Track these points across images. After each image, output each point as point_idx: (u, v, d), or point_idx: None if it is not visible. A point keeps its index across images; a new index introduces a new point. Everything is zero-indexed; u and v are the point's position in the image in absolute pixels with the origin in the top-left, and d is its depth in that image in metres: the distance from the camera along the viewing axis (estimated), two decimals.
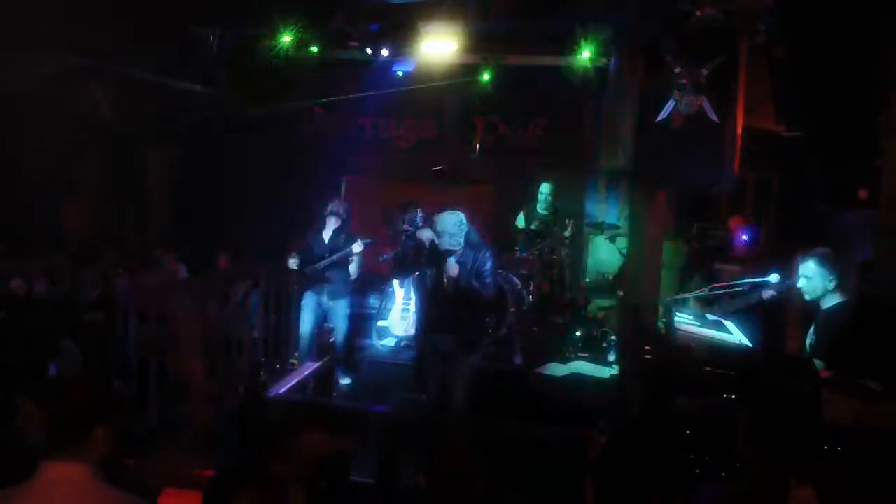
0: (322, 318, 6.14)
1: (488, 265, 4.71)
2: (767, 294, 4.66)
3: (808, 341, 3.89)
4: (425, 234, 4.73)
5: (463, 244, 4.69)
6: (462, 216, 4.75)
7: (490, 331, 6.18)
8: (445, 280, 4.69)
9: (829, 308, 3.80)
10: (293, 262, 5.88)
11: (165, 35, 6.24)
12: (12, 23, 5.04)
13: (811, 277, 3.83)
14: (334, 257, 5.90)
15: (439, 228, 4.67)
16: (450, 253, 4.67)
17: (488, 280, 4.71)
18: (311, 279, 5.98)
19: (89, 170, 8.15)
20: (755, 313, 4.62)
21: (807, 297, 3.89)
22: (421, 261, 4.83)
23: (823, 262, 3.82)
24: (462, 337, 4.77)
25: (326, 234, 6.02)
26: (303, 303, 6.08)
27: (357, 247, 5.85)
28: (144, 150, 8.44)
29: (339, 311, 6.09)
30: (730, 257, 5.70)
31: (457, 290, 4.67)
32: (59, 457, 1.97)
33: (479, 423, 4.69)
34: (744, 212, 6.30)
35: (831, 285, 3.79)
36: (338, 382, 6.15)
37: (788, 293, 4.54)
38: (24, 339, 4.55)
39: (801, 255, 4.03)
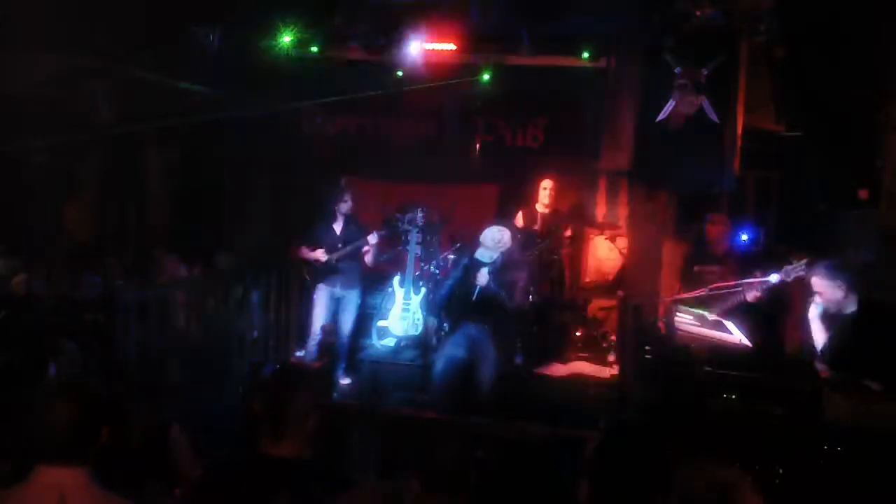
0: (335, 311, 6.19)
1: (520, 282, 5.11)
2: (752, 296, 4.64)
3: (823, 344, 3.86)
4: (481, 278, 5.10)
5: (499, 259, 5.08)
6: (504, 234, 5.17)
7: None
8: (476, 286, 5.08)
9: (852, 314, 3.77)
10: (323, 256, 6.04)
11: (165, 35, 6.23)
12: (12, 23, 5.03)
13: (822, 293, 3.82)
14: (348, 248, 6.03)
15: (480, 239, 5.17)
16: (483, 264, 5.08)
17: (515, 293, 5.05)
18: (324, 270, 6.04)
19: (89, 170, 8.15)
20: (742, 315, 4.61)
21: (830, 311, 3.85)
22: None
23: (831, 273, 3.80)
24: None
25: (338, 227, 6.14)
26: (315, 296, 6.14)
27: (372, 238, 6.03)
28: (144, 150, 8.44)
29: (351, 301, 6.19)
30: (710, 258, 5.68)
31: (483, 297, 5.04)
32: (57, 461, 1.95)
33: (479, 423, 4.70)
34: (720, 210, 6.21)
35: (841, 293, 3.77)
36: (338, 382, 6.16)
37: (775, 293, 4.54)
38: (24, 339, 4.55)
39: (806, 268, 4.01)
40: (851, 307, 3.79)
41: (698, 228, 5.93)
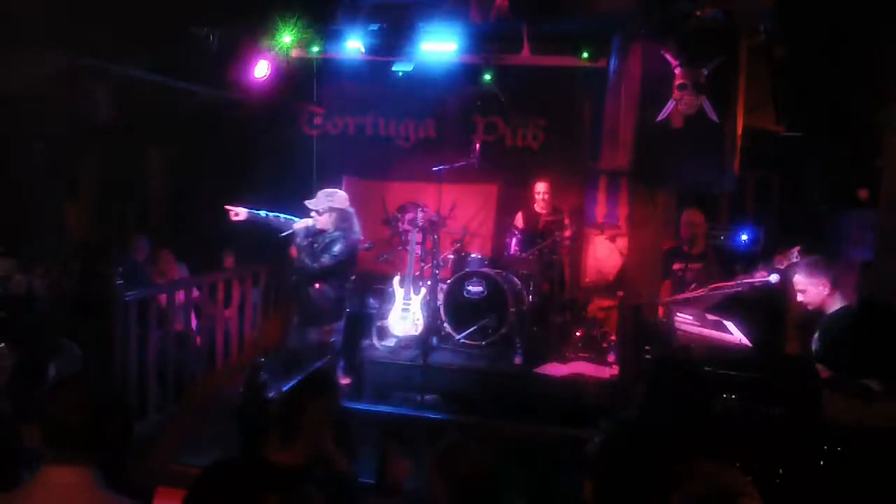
0: None
1: (335, 248, 5.24)
2: (746, 287, 4.67)
3: (813, 347, 3.87)
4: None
5: (325, 214, 5.28)
6: (336, 193, 5.41)
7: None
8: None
9: (832, 314, 3.77)
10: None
11: (165, 35, 6.23)
12: (12, 23, 5.04)
13: (805, 291, 3.82)
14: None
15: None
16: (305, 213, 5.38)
17: (324, 257, 5.23)
18: None
19: (89, 170, 8.15)
20: (742, 314, 4.62)
21: (809, 308, 3.86)
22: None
23: (812, 271, 3.80)
24: (304, 308, 5.40)
25: None
26: None
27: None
28: (144, 150, 8.43)
29: None
30: (689, 256, 5.67)
31: (299, 260, 5.38)
32: (60, 461, 1.94)
33: (479, 423, 4.71)
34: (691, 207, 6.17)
35: (826, 290, 3.76)
36: (337, 383, 6.16)
37: (773, 292, 4.56)
38: (24, 338, 4.54)
39: (788, 265, 4.02)
40: (835, 305, 3.78)
41: (673, 228, 5.94)
